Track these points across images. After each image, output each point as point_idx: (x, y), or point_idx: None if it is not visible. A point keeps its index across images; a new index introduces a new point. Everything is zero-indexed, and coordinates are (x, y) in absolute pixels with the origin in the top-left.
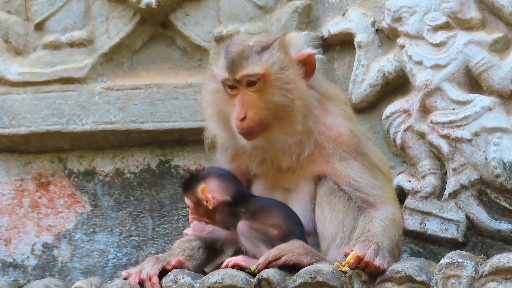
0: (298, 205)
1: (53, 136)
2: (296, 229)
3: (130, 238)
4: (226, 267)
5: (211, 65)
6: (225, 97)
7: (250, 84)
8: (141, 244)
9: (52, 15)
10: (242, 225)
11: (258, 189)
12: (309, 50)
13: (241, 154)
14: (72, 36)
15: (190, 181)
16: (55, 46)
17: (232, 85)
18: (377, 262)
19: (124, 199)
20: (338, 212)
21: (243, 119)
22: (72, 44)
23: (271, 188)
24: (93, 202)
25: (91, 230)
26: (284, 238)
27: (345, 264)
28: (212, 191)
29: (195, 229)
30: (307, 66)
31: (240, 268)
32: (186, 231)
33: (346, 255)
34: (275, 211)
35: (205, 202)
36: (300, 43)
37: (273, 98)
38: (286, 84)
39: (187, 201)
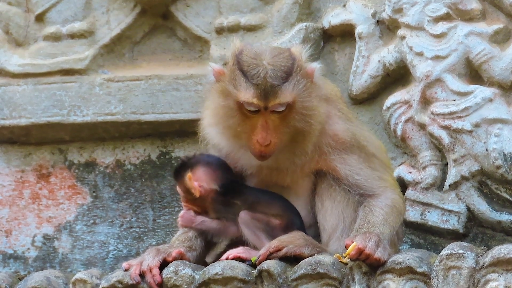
0: (296, 199)
1: (54, 128)
2: (296, 219)
3: (131, 230)
4: (227, 259)
5: (223, 82)
6: (240, 116)
7: (276, 110)
8: (141, 235)
9: (53, 6)
10: (244, 215)
11: (252, 185)
12: (314, 65)
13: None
14: (72, 27)
15: (180, 169)
16: (55, 38)
17: (256, 110)
18: (377, 254)
19: (125, 191)
20: (339, 204)
21: (267, 145)
22: (72, 36)
23: (266, 185)
24: (94, 194)
25: (91, 221)
26: (286, 228)
27: (346, 255)
28: (199, 180)
29: (184, 220)
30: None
31: (241, 259)
32: (178, 220)
33: (346, 247)
34: (274, 203)
35: (193, 191)
36: (306, 57)
37: (296, 124)
38: (310, 111)
39: (178, 189)
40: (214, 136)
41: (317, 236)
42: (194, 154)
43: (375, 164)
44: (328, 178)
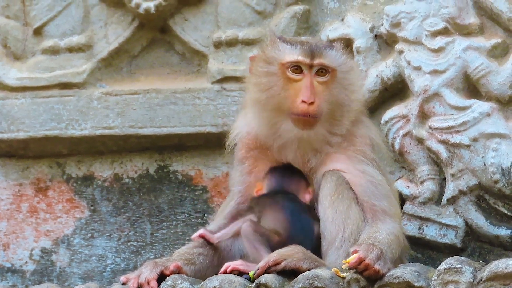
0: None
1: (52, 141)
2: (298, 238)
3: (129, 243)
4: (225, 272)
5: (263, 50)
6: (283, 81)
7: (320, 73)
8: (139, 249)
9: (51, 20)
10: (246, 227)
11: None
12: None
13: (261, 161)
14: (71, 41)
15: None
16: (53, 51)
17: (298, 69)
18: (377, 266)
19: (123, 204)
20: (340, 213)
21: (311, 103)
22: (71, 49)
23: None
24: (92, 207)
25: (89, 235)
26: (284, 246)
27: (347, 262)
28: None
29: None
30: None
31: (239, 273)
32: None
33: (352, 253)
34: (281, 218)
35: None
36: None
37: (337, 94)
38: (350, 85)
39: None
40: (254, 116)
41: None
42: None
43: (388, 188)
44: (337, 181)
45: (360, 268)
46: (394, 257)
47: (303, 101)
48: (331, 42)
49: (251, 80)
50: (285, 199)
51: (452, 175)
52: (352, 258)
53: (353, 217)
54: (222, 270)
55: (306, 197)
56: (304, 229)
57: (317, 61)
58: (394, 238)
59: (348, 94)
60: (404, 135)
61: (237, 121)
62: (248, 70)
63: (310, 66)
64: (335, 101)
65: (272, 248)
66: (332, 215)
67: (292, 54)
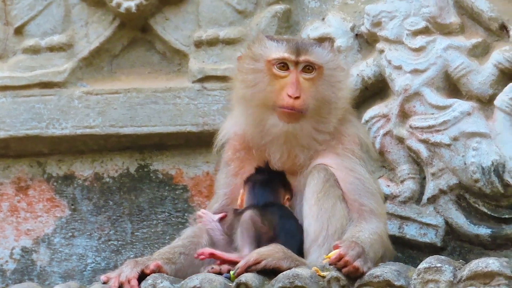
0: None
1: (32, 140)
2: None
3: (109, 243)
4: (200, 255)
5: (250, 48)
6: (269, 77)
7: (306, 70)
8: (120, 248)
9: (32, 19)
10: (247, 215)
11: None
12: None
13: (247, 163)
14: (51, 40)
15: None
16: (34, 51)
17: (284, 67)
18: (356, 263)
19: (103, 204)
20: (326, 211)
21: (297, 98)
22: (51, 49)
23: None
24: (72, 206)
25: (70, 234)
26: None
27: (328, 257)
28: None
29: (204, 218)
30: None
31: (219, 272)
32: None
33: (334, 249)
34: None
35: None
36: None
37: (323, 91)
38: (338, 83)
39: None
40: (239, 118)
41: None
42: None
43: (376, 191)
44: (324, 177)
45: (339, 264)
46: (377, 257)
47: (288, 95)
48: (319, 41)
49: (237, 78)
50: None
51: (433, 174)
52: (333, 254)
53: (338, 215)
54: (195, 255)
55: (286, 204)
56: (289, 232)
57: (302, 58)
58: (377, 238)
59: (334, 92)
60: (385, 134)
61: (226, 121)
62: (236, 70)
63: (296, 63)
64: (321, 98)
65: (260, 245)
66: (317, 213)
67: (278, 51)
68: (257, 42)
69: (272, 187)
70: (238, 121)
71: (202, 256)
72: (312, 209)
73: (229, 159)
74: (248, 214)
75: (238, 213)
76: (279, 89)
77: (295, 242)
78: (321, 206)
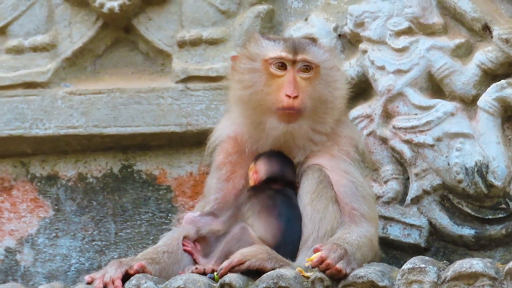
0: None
1: (16, 141)
2: (284, 248)
3: (93, 243)
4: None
5: (246, 47)
6: (266, 77)
7: (303, 70)
8: (103, 248)
9: (15, 19)
10: (238, 230)
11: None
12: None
13: (239, 168)
14: (35, 40)
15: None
16: (18, 51)
17: (282, 66)
18: (339, 265)
19: (87, 204)
20: (318, 212)
21: (296, 97)
22: (35, 49)
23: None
24: (56, 207)
25: (53, 234)
26: None
27: (310, 260)
28: (257, 170)
29: (187, 219)
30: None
31: (203, 272)
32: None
33: (315, 252)
34: (274, 226)
35: (250, 180)
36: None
37: (320, 90)
38: (334, 82)
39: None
40: (236, 120)
41: None
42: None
43: (369, 195)
44: (318, 178)
45: (321, 267)
46: (365, 260)
47: (287, 95)
48: (317, 43)
49: (233, 78)
50: (284, 201)
51: (416, 174)
52: (315, 257)
53: (329, 217)
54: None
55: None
56: (294, 240)
57: (300, 57)
58: (367, 241)
59: (331, 91)
60: (368, 135)
61: (220, 123)
62: (230, 70)
63: (293, 62)
64: (319, 97)
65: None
66: (311, 213)
67: (275, 50)
68: (253, 42)
69: (289, 163)
70: (234, 123)
71: (186, 248)
72: (306, 209)
73: (220, 163)
74: (238, 228)
75: (254, 190)
76: (277, 89)
77: (296, 250)
78: (314, 207)
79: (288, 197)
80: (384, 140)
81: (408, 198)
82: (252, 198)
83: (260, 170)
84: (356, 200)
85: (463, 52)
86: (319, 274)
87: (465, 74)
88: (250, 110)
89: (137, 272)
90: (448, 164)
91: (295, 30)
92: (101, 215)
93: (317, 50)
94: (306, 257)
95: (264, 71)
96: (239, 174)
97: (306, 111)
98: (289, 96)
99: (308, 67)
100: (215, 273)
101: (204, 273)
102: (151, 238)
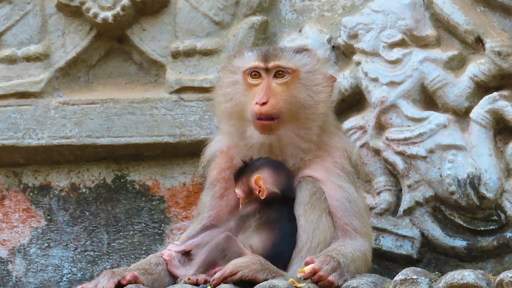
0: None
1: (9, 151)
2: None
3: (85, 253)
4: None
5: (230, 61)
6: (243, 87)
7: (278, 75)
8: (96, 259)
9: (9, 29)
10: (222, 239)
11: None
12: (333, 73)
13: (232, 182)
14: (28, 50)
15: (244, 170)
16: (11, 60)
17: (257, 75)
18: (331, 277)
19: (80, 214)
20: (311, 223)
21: (264, 103)
22: (28, 59)
23: None
24: (48, 217)
25: (46, 244)
26: None
27: (302, 271)
28: (266, 182)
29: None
30: (329, 87)
31: (196, 283)
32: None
33: (306, 264)
34: (271, 240)
35: (256, 192)
36: (326, 64)
37: (298, 94)
38: (314, 86)
39: (238, 190)
40: (224, 133)
41: None
42: (259, 158)
43: (362, 210)
44: (312, 190)
45: (314, 279)
46: (359, 273)
47: (256, 103)
48: (301, 50)
49: (217, 92)
50: (286, 216)
51: (409, 186)
52: (307, 269)
53: (323, 227)
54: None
55: None
56: (284, 253)
57: (271, 64)
58: (361, 255)
59: (311, 94)
60: (361, 146)
61: (214, 137)
62: (216, 85)
63: (266, 69)
64: (296, 102)
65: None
66: (304, 224)
67: (250, 60)
68: (237, 55)
69: (290, 173)
70: (225, 137)
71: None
72: (300, 220)
73: (214, 179)
74: (222, 239)
75: (262, 203)
76: (252, 98)
77: (284, 262)
78: (308, 218)
79: (291, 209)
80: (377, 152)
81: (401, 209)
82: (261, 210)
83: (268, 182)
84: (350, 216)
85: (456, 64)
86: (312, 285)
87: (458, 86)
88: (234, 121)
89: (130, 282)
90: (441, 176)
91: (289, 41)
92: (94, 225)
93: (295, 55)
94: (300, 267)
95: (243, 82)
96: (232, 190)
97: (283, 117)
98: (258, 103)
99: (283, 72)
100: (207, 285)
101: (196, 284)
102: (144, 248)
